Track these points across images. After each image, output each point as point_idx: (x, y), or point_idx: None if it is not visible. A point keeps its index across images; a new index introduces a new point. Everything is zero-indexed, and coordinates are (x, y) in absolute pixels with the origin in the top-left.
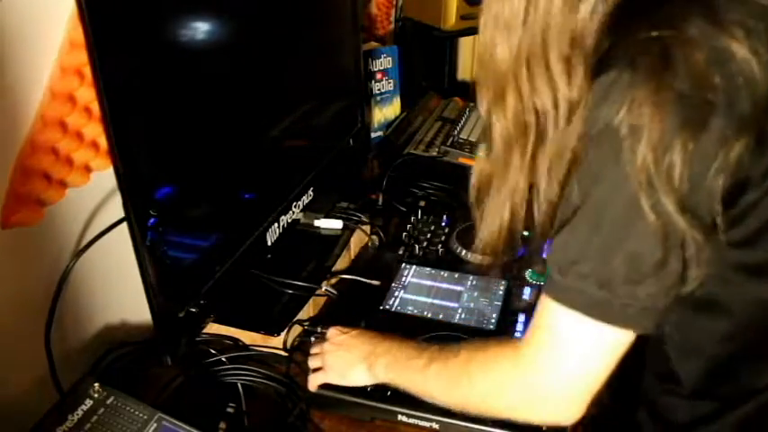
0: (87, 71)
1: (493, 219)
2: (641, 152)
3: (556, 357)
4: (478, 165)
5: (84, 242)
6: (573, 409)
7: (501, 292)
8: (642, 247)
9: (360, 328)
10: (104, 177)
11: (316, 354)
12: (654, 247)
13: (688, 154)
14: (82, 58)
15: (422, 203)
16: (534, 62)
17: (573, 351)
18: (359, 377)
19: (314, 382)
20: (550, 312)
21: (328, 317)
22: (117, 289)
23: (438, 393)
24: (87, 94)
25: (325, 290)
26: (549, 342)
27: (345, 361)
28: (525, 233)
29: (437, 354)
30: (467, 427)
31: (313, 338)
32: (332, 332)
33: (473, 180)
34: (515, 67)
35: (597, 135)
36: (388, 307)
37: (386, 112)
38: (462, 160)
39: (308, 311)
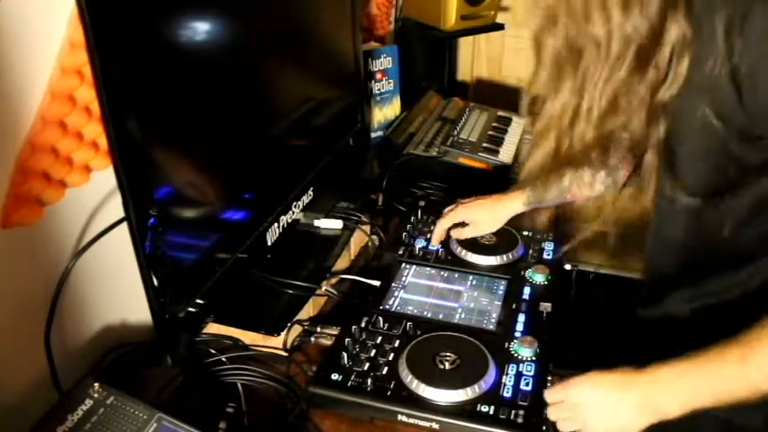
0: (87, 71)
1: (540, 142)
2: None
3: None
4: (532, 88)
5: (84, 242)
6: None
7: (501, 292)
8: None
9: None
10: (104, 177)
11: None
12: None
13: None
14: (82, 58)
15: (422, 203)
16: None
17: None
18: (637, 421)
19: None
20: None
21: (328, 317)
22: (117, 289)
23: None
24: (87, 94)
25: (325, 290)
26: None
27: (612, 414)
28: (525, 233)
29: (735, 347)
30: (467, 427)
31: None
32: (572, 392)
33: (524, 100)
34: None
35: None
36: (388, 307)
37: (386, 112)
38: (462, 160)
39: (308, 311)
